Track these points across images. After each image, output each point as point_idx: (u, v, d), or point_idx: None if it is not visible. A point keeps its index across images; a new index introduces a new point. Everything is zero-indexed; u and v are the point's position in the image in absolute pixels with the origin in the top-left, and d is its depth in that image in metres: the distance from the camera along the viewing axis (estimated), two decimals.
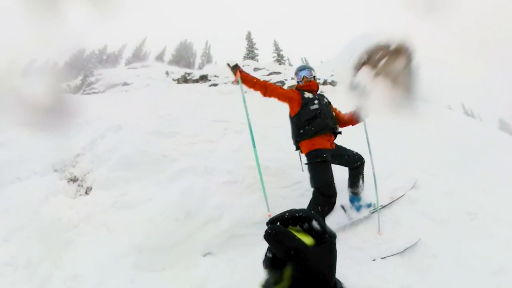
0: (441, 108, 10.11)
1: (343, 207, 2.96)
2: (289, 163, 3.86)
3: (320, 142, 2.65)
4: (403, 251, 2.42)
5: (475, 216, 2.93)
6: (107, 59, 28.08)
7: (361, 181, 2.94)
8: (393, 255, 2.40)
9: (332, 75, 9.79)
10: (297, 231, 0.53)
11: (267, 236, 0.51)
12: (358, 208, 2.97)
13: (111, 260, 2.43)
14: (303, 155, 2.98)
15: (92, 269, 2.39)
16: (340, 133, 2.86)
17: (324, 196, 2.46)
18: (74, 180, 4.44)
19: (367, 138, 2.87)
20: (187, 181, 3.11)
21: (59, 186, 4.20)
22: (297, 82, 3.10)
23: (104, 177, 3.85)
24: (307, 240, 0.51)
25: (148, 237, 2.57)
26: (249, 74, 2.85)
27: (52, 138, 5.12)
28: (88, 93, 13.73)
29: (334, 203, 2.49)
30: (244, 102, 2.74)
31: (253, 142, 2.66)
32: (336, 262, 0.55)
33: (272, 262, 0.54)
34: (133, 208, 2.89)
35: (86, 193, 4.13)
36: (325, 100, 2.93)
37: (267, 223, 0.54)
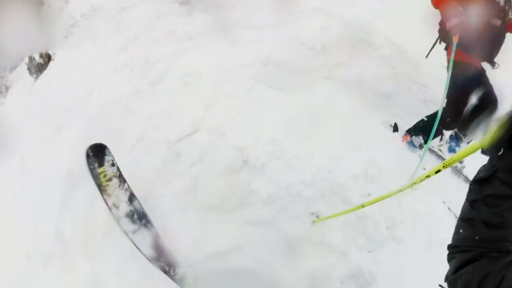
0: None
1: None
2: None
3: None
4: None
5: None
6: None
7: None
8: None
9: None
10: None
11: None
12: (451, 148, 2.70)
13: (232, 66, 2.25)
14: None
15: (211, 69, 2.24)
16: None
17: None
18: (186, 3, 4.17)
19: None
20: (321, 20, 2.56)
21: (170, 8, 4.01)
22: None
23: None
24: None
25: (275, 54, 2.31)
26: None
27: None
28: None
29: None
30: None
31: None
32: None
33: None
34: (260, 29, 2.52)
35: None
36: None
37: None
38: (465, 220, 0.70)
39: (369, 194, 2.06)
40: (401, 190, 1.52)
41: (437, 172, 1.16)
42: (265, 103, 2.10)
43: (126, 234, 1.78)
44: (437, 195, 2.49)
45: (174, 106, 2.12)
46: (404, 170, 2.33)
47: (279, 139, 1.88)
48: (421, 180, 1.28)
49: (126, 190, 1.91)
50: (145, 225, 1.84)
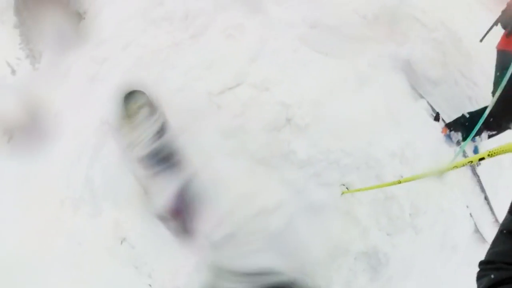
0: None
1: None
2: None
3: None
4: None
5: None
6: None
7: None
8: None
9: None
10: None
11: None
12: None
13: (278, 24, 2.15)
14: None
15: (255, 23, 2.13)
16: None
17: None
18: None
19: None
20: None
21: None
22: None
23: None
24: None
25: (324, 17, 2.21)
26: None
27: None
28: None
29: None
30: None
31: None
32: None
33: None
34: None
35: None
36: None
37: None
38: (506, 234, 0.58)
39: (401, 176, 2.01)
40: (441, 172, 1.47)
41: (480, 159, 1.10)
42: (309, 65, 2.03)
43: (139, 178, 1.72)
44: (463, 197, 2.40)
45: (216, 58, 2.06)
46: (438, 163, 2.26)
47: (323, 102, 1.83)
48: (463, 165, 1.22)
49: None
50: (170, 167, 1.70)
